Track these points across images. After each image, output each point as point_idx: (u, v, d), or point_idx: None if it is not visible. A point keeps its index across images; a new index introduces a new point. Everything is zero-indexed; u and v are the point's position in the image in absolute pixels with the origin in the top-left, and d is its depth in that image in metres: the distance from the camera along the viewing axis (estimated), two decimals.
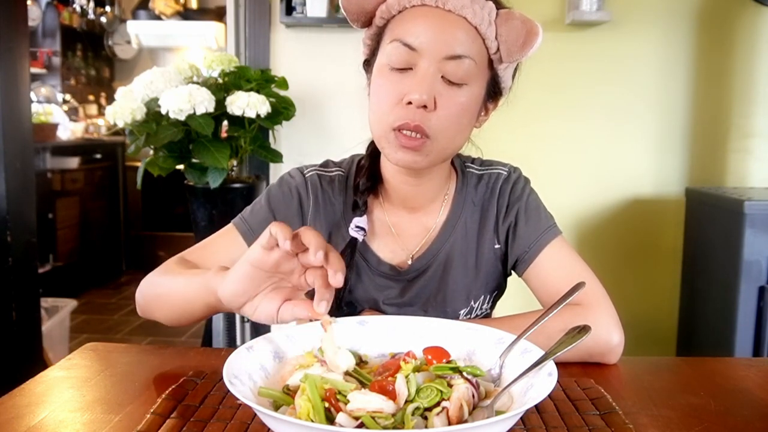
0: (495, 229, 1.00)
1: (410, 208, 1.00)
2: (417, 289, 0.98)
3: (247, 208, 1.01)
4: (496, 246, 1.00)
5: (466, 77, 0.86)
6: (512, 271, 1.02)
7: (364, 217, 0.97)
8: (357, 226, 0.96)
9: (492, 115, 0.97)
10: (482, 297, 1.01)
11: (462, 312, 0.99)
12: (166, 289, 0.89)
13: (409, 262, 0.99)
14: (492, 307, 1.05)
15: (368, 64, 0.95)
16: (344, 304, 0.98)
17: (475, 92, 0.88)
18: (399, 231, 1.00)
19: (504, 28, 0.86)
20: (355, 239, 0.96)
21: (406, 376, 0.63)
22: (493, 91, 0.93)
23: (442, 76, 0.85)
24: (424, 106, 0.84)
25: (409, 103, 0.84)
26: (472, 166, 1.04)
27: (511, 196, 1.00)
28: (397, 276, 0.98)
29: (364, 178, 0.99)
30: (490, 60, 0.89)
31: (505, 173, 1.03)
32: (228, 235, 0.98)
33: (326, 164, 1.05)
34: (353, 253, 0.96)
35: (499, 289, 1.04)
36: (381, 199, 1.01)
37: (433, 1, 0.85)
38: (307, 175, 1.01)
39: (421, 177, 0.95)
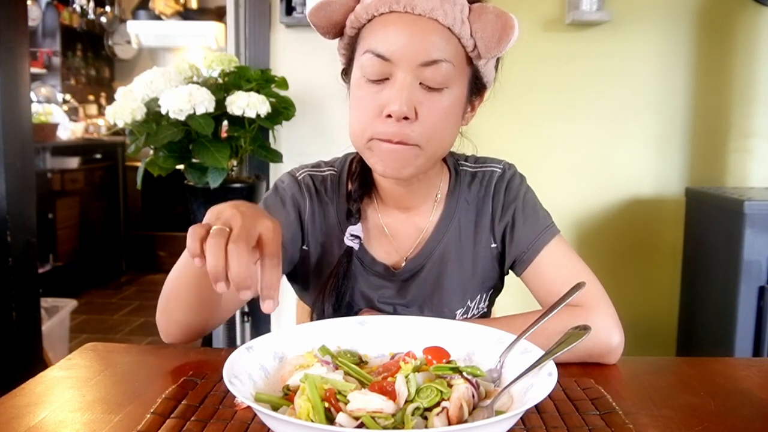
0: (491, 228, 0.99)
1: (403, 208, 0.99)
2: (413, 289, 0.98)
3: None
4: (493, 245, 1.00)
5: (446, 81, 0.83)
6: (510, 271, 1.02)
7: (359, 225, 0.96)
8: (352, 235, 0.95)
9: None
10: (479, 296, 1.00)
11: (459, 311, 0.99)
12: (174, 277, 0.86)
13: (403, 263, 0.98)
14: (490, 306, 1.05)
15: (346, 73, 0.94)
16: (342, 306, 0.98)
17: (457, 94, 0.86)
18: (392, 232, 0.99)
19: (478, 25, 0.82)
20: (350, 248, 0.96)
21: (406, 376, 0.63)
22: (477, 88, 0.91)
23: (420, 83, 0.83)
24: (406, 117, 0.82)
25: (389, 115, 0.82)
26: (466, 164, 1.03)
27: (507, 194, 0.99)
28: (392, 276, 0.98)
29: (356, 184, 0.98)
30: (469, 58, 0.86)
31: (500, 171, 1.01)
32: None
33: (318, 165, 1.04)
34: (349, 261, 0.96)
35: (495, 288, 1.03)
36: (374, 200, 1.00)
37: (402, 7, 0.81)
38: (299, 177, 1.00)
39: (411, 179, 0.94)
